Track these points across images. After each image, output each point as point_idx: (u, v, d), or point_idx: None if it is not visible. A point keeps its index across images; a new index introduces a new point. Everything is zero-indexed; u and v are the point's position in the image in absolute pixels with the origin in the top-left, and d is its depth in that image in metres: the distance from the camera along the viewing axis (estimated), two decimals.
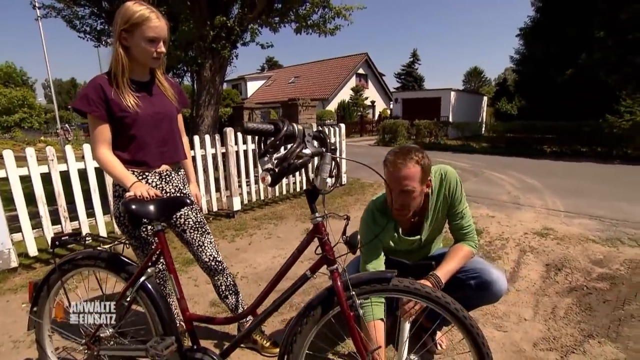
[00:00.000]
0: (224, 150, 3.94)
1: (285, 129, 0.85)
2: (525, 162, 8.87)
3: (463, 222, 1.52)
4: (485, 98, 23.14)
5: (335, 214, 1.10)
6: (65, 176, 2.99)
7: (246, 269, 2.83)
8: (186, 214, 1.61)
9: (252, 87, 29.06)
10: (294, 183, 5.01)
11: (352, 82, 24.14)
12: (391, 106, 23.33)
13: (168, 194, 1.54)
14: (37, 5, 5.55)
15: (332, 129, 5.18)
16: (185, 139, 1.71)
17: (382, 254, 1.51)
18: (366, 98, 23.57)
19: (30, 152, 2.78)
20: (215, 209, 4.04)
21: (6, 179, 2.71)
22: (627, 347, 1.82)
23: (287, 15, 4.57)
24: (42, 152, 2.91)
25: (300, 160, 0.87)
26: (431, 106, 17.90)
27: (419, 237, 1.56)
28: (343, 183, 5.54)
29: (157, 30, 1.34)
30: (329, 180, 0.92)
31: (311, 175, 0.96)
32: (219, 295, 1.74)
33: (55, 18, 5.70)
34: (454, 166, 1.35)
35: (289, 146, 0.88)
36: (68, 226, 3.04)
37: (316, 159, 0.97)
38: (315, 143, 0.96)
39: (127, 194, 1.29)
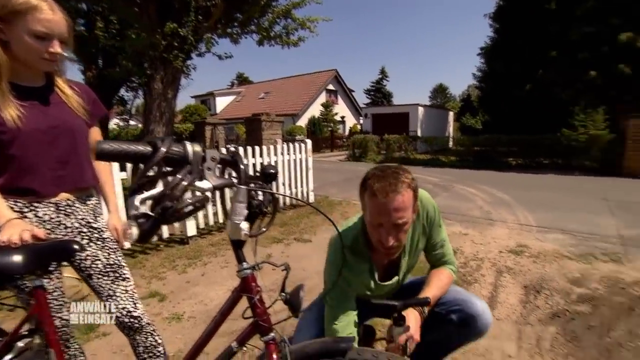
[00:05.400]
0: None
1: (162, 149, 0.54)
2: (494, 175, 9.00)
3: (444, 251, 1.32)
4: (451, 113, 23.92)
5: (271, 263, 0.80)
6: None
7: (195, 306, 2.45)
8: (94, 254, 1.25)
9: (222, 102, 28.55)
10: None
11: (322, 97, 24.25)
12: (361, 121, 23.56)
13: (69, 230, 1.19)
14: None
15: (297, 145, 4.91)
16: None
17: (355, 307, 1.22)
18: (336, 114, 23.68)
19: None
20: (166, 235, 3.61)
21: None
22: None
23: (248, 26, 4.33)
24: None
25: (190, 202, 0.56)
26: (400, 121, 18.17)
27: (396, 278, 1.29)
28: (311, 201, 5.24)
29: (48, 25, 1.02)
30: (244, 225, 0.62)
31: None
32: (136, 358, 1.37)
33: None
34: (424, 181, 1.11)
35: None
36: None
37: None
38: (231, 173, 0.67)
39: None
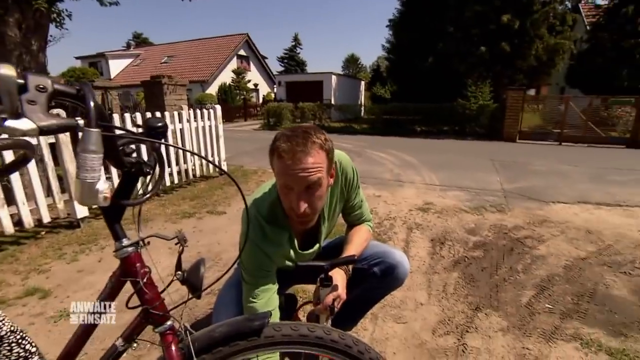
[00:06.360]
0: (52, 140, 2.92)
1: None
2: (401, 141, 9.69)
3: (362, 210, 1.32)
4: (363, 82, 24.80)
5: (160, 236, 0.63)
6: None
7: (91, 297, 2.05)
8: None
9: (116, 66, 24.90)
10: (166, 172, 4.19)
11: (234, 63, 22.79)
12: (275, 89, 22.95)
13: None
14: None
15: (205, 111, 4.47)
16: None
17: (275, 281, 1.12)
18: (249, 81, 22.58)
19: None
20: (46, 219, 3.00)
21: None
22: (507, 313, 1.88)
23: None
24: None
25: None
26: (314, 89, 18.18)
27: (317, 245, 1.22)
28: (225, 171, 4.92)
29: None
30: (101, 186, 0.44)
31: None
32: None
33: None
34: (339, 147, 1.03)
35: None
36: None
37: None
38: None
39: None
